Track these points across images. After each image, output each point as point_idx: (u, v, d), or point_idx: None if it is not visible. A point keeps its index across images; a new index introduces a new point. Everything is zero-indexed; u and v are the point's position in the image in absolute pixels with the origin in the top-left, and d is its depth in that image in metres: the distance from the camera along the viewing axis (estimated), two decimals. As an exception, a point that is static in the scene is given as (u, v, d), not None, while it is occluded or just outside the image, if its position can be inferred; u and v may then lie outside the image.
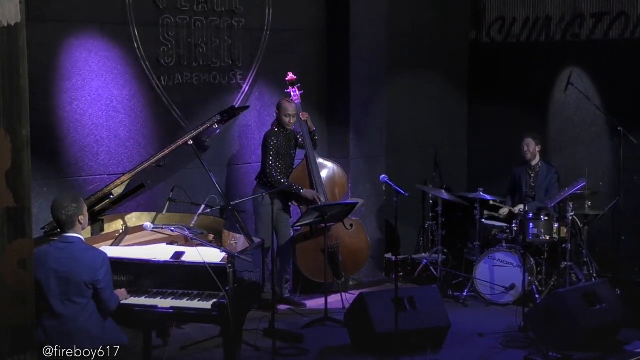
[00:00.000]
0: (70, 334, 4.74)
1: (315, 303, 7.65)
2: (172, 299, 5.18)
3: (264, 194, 7.12)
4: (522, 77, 9.20)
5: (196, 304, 5.12)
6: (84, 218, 4.91)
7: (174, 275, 5.26)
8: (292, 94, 7.60)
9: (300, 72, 7.79)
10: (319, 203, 7.39)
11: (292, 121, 7.47)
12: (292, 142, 7.60)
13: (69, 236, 4.86)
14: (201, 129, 6.13)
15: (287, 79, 7.64)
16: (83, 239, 4.93)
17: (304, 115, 7.62)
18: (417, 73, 9.18)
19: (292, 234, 7.59)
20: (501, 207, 8.17)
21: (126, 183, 5.91)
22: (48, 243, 5.14)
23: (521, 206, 7.85)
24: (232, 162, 7.82)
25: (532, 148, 8.11)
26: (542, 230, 7.68)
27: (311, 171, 7.57)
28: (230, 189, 7.67)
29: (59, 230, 4.97)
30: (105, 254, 4.91)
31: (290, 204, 7.63)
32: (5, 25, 4.01)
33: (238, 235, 5.87)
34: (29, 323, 4.24)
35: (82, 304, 4.77)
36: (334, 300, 7.64)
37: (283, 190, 7.41)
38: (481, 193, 7.92)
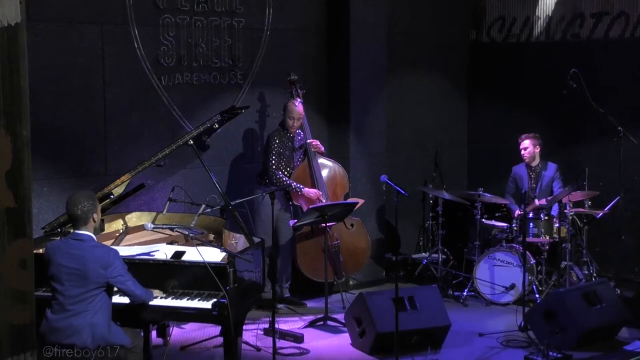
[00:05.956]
0: (74, 329, 4.77)
1: (315, 303, 7.66)
2: (172, 298, 5.18)
3: (264, 194, 7.13)
4: (522, 77, 9.20)
5: (196, 303, 5.13)
6: (97, 217, 4.98)
7: (174, 275, 5.27)
8: (293, 93, 7.61)
9: (300, 72, 7.80)
10: (322, 202, 7.41)
11: (295, 124, 7.49)
12: (295, 144, 7.62)
13: (80, 233, 4.90)
14: (201, 128, 6.13)
15: (289, 79, 7.65)
16: (94, 237, 4.96)
17: (315, 144, 7.59)
18: (417, 73, 9.18)
19: (292, 233, 7.59)
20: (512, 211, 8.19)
21: (126, 183, 5.91)
22: (49, 242, 5.16)
23: (518, 211, 7.92)
24: (232, 161, 7.83)
25: (530, 150, 8.07)
26: (542, 230, 7.69)
27: (312, 171, 7.57)
28: (231, 189, 7.67)
29: (70, 225, 5.03)
30: (115, 250, 4.97)
31: (290, 203, 7.63)
32: (6, 25, 4.00)
33: (238, 235, 5.87)
34: (29, 323, 4.24)
35: (89, 301, 4.80)
36: (334, 299, 7.65)
37: (284, 189, 7.42)
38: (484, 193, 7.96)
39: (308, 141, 7.57)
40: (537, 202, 7.89)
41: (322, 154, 7.69)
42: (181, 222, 6.00)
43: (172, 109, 7.36)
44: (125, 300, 5.09)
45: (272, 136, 7.50)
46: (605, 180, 8.27)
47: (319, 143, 7.65)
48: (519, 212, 8.00)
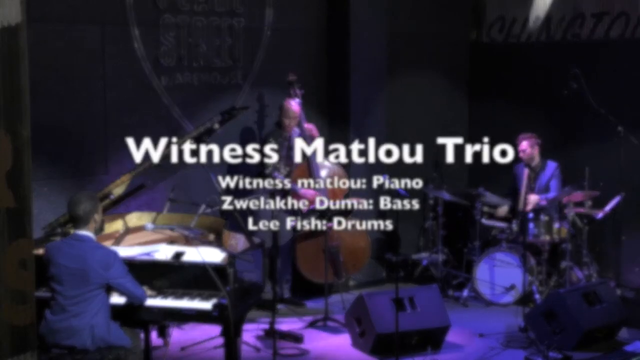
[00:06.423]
0: (74, 330, 4.78)
1: (315, 303, 7.66)
2: (172, 298, 5.18)
3: (264, 194, 7.12)
4: (522, 77, 9.18)
5: (196, 304, 5.13)
6: (98, 217, 5.01)
7: (174, 275, 5.27)
8: (292, 93, 7.60)
9: (300, 72, 7.79)
10: (320, 202, 7.40)
11: (291, 124, 7.48)
12: (292, 144, 7.60)
13: (81, 234, 4.91)
14: (202, 129, 6.13)
15: (287, 79, 7.64)
16: (94, 238, 4.96)
17: (309, 129, 7.58)
18: (417, 73, 9.17)
19: (292, 234, 7.59)
20: (499, 207, 8.18)
21: (126, 183, 5.91)
22: (49, 242, 5.16)
23: (506, 208, 7.92)
24: (231, 161, 7.81)
25: (528, 151, 8.02)
26: (543, 230, 7.68)
27: (311, 171, 7.57)
28: (230, 189, 7.66)
29: (71, 225, 5.03)
30: (115, 252, 4.98)
31: (290, 203, 7.62)
32: (6, 25, 4.01)
33: (238, 235, 5.87)
34: (29, 323, 4.24)
35: (89, 302, 4.81)
36: (334, 300, 7.65)
37: (283, 190, 7.41)
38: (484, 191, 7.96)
39: (305, 126, 7.54)
40: (531, 197, 7.83)
41: (314, 138, 7.62)
42: (181, 223, 6.00)
43: (173, 109, 7.35)
44: (124, 300, 5.08)
45: (268, 136, 7.49)
46: (605, 181, 8.26)
47: (313, 127, 7.62)
48: (506, 209, 8.04)
